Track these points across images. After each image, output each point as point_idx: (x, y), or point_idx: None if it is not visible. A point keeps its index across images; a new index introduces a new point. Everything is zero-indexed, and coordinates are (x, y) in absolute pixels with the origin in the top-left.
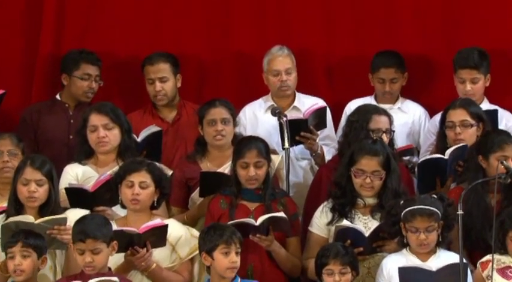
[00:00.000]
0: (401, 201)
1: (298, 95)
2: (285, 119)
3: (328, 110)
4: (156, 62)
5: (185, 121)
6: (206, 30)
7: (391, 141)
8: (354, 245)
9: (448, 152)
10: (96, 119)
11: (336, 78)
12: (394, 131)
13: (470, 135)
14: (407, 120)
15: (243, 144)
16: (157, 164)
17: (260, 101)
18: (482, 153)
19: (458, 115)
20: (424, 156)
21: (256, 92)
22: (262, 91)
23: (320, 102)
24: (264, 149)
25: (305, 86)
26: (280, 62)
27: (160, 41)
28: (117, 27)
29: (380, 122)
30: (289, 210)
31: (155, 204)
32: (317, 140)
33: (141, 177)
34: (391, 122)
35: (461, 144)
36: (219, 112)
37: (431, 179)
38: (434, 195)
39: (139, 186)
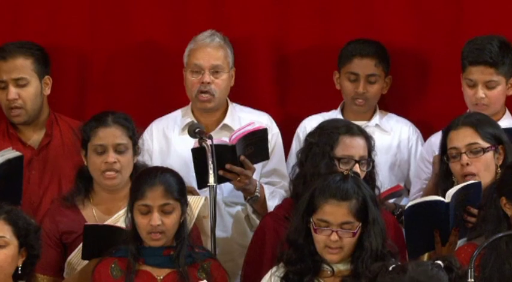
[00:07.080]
0: (390, 267)
1: (233, 107)
2: (209, 142)
3: (277, 133)
4: (11, 56)
5: (58, 145)
6: (90, 7)
7: (371, 177)
8: None
9: (451, 192)
10: None
11: (291, 82)
12: (373, 161)
13: (485, 167)
14: (390, 143)
15: (143, 178)
16: (20, 210)
17: (176, 114)
18: (506, 195)
19: (463, 137)
20: (416, 197)
21: (173, 100)
22: (181, 100)
23: (261, 120)
24: (175, 186)
25: (244, 94)
26: (207, 54)
27: (22, 27)
28: None
29: (352, 146)
30: (216, 279)
31: (19, 272)
32: (253, 177)
33: None
34: (370, 147)
35: (471, 182)
36: (111, 135)
37: (427, 233)
38: (439, 262)
39: None
